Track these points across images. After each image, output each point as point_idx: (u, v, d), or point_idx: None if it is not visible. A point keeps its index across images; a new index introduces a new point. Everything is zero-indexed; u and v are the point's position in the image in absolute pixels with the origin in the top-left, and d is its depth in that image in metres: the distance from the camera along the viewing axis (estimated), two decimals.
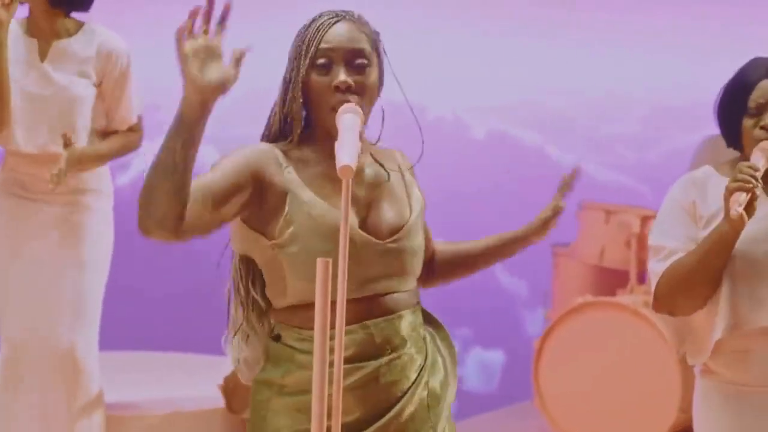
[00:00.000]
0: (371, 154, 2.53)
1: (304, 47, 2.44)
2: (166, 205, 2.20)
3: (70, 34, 3.96)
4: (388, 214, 2.47)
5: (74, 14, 3.99)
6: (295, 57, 2.46)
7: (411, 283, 2.50)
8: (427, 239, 2.64)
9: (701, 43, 6.28)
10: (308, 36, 2.45)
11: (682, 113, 6.36)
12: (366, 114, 2.42)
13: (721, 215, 2.60)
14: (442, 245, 2.71)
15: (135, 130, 4.08)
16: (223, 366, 3.54)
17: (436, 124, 6.53)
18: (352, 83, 2.41)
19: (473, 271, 2.72)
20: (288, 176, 2.40)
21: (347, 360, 2.34)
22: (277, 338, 2.47)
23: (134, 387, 4.63)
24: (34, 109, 3.88)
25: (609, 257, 5.45)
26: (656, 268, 2.69)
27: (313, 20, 2.48)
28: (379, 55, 2.49)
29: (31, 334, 3.94)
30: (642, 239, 5.26)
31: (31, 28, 3.94)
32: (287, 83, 2.46)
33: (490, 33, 6.48)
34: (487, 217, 5.74)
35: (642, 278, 5.33)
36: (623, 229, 5.35)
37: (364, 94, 2.43)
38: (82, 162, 3.87)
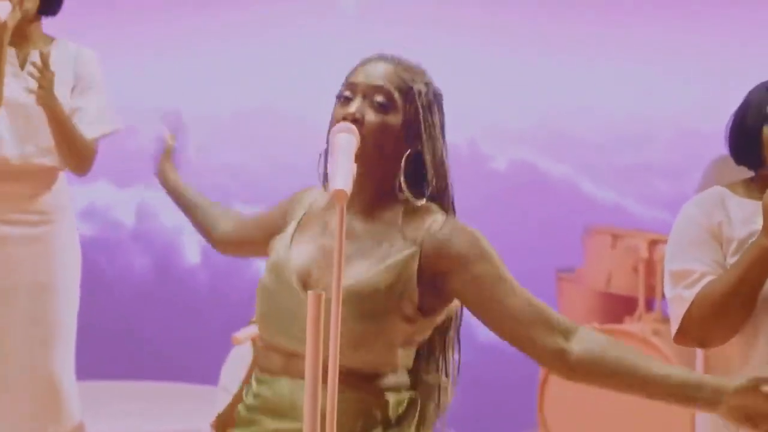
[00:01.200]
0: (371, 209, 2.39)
1: (344, 79, 2.39)
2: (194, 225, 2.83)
3: (45, 45, 3.89)
4: (354, 266, 2.28)
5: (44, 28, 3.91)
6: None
7: (362, 360, 2.26)
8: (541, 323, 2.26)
9: (729, 64, 6.19)
10: (347, 75, 2.39)
11: (713, 137, 6.29)
12: (368, 160, 2.26)
13: (753, 238, 2.48)
14: (593, 342, 2.26)
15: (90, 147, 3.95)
16: (217, 398, 3.43)
17: (450, 153, 6.37)
18: (360, 116, 2.28)
19: (621, 390, 2.26)
20: (299, 214, 2.44)
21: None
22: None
23: (122, 418, 4.55)
24: (18, 118, 3.81)
25: (616, 283, 5.37)
26: (685, 294, 2.55)
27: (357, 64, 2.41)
28: (411, 104, 2.33)
29: (6, 362, 3.84)
30: (650, 264, 5.17)
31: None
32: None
33: (509, 53, 6.39)
34: (512, 256, 5.63)
35: (650, 305, 5.24)
36: (631, 253, 5.25)
37: (371, 132, 2.28)
38: (51, 97, 3.70)
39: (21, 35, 3.84)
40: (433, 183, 2.34)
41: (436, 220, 2.33)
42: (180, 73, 6.18)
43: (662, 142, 6.47)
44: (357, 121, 2.29)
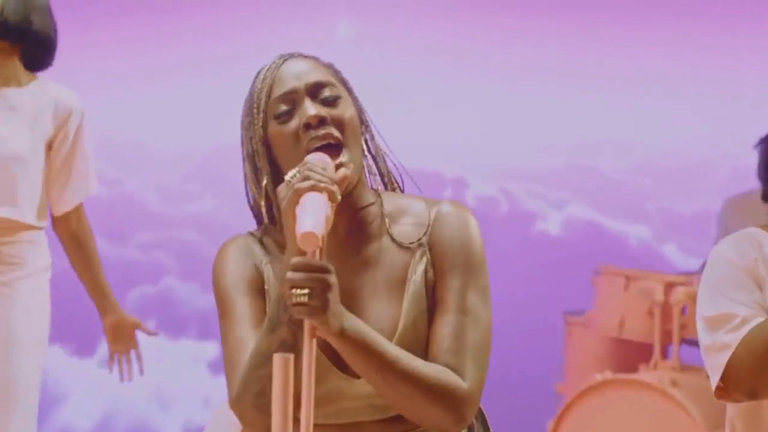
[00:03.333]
0: (386, 220, 2.12)
1: (255, 104, 2.05)
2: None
3: (20, 84, 3.58)
4: (369, 320, 2.03)
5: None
6: (249, 122, 2.08)
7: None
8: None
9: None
10: (256, 90, 2.06)
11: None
12: (356, 159, 2.03)
13: None
14: None
15: (78, 217, 3.72)
16: None
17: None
18: (327, 115, 2.01)
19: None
20: (267, 275, 2.10)
21: None
22: None
23: None
24: None
25: (629, 328, 5.23)
26: (727, 339, 2.34)
27: (258, 72, 2.09)
28: (350, 91, 2.10)
29: None
30: (666, 308, 5.05)
31: None
32: (250, 156, 2.08)
33: (511, 84, 6.31)
34: (517, 298, 5.63)
35: (667, 352, 5.14)
36: (645, 296, 5.14)
37: (344, 128, 2.02)
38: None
39: None
40: (383, 166, 2.17)
41: (420, 208, 2.14)
42: (174, 106, 6.10)
43: (681, 180, 6.44)
44: (325, 121, 2.02)
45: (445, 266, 2.07)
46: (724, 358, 2.33)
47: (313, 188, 1.86)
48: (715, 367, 2.35)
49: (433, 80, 6.22)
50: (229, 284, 2.07)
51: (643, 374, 5.00)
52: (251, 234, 2.12)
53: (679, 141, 6.24)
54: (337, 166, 1.98)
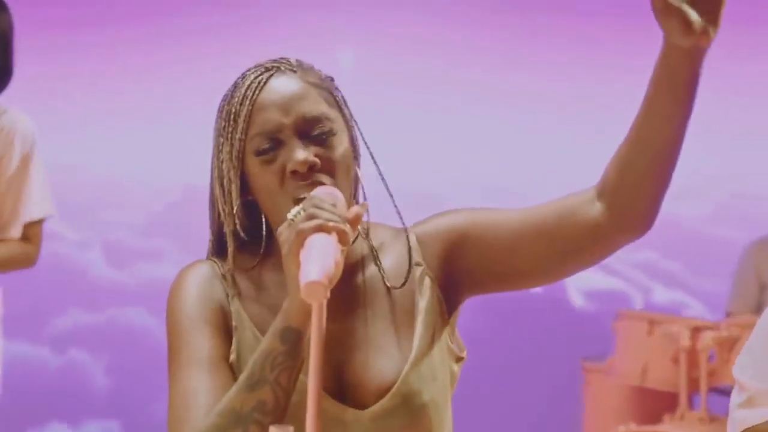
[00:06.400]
0: (374, 253, 1.87)
1: (230, 126, 1.79)
2: None
3: None
4: (377, 360, 1.83)
5: None
6: (221, 143, 1.81)
7: None
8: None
9: None
10: (233, 108, 1.79)
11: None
12: (347, 197, 1.77)
13: None
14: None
15: (30, 237, 3.59)
16: None
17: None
18: (317, 161, 1.76)
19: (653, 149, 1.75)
20: (234, 309, 1.83)
21: None
22: None
23: None
24: None
25: (653, 376, 5.14)
26: None
27: (236, 85, 1.81)
28: (342, 112, 1.84)
29: None
30: (693, 354, 4.98)
31: None
32: (219, 180, 1.83)
33: (517, 116, 6.21)
34: (532, 342, 5.58)
35: (693, 402, 5.08)
36: (670, 342, 5.04)
37: (336, 172, 1.77)
38: None
39: None
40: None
41: (390, 233, 1.90)
42: (168, 139, 6.02)
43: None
44: (315, 168, 1.76)
45: (460, 237, 1.86)
46: None
47: (320, 229, 1.60)
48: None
49: (442, 111, 6.19)
50: (184, 319, 1.79)
51: (668, 426, 4.94)
52: (214, 262, 1.84)
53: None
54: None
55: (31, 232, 3.57)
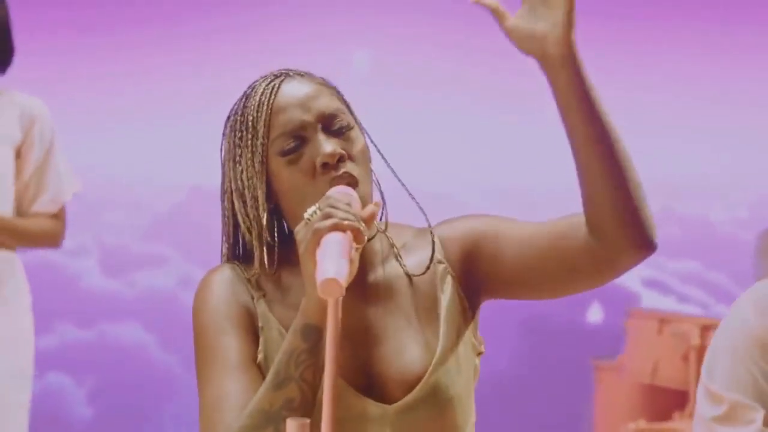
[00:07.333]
0: (394, 249, 1.89)
1: (250, 134, 1.82)
2: None
3: None
4: (403, 355, 1.84)
5: None
6: (239, 154, 1.84)
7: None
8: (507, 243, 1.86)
9: None
10: (250, 118, 1.82)
11: None
12: (370, 190, 1.82)
13: None
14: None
15: (58, 218, 3.60)
16: None
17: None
18: (344, 152, 1.79)
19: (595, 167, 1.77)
20: (260, 310, 1.85)
21: None
22: None
23: None
24: None
25: (663, 374, 5.19)
26: None
27: (247, 95, 1.85)
28: (353, 112, 1.89)
29: None
30: (702, 352, 4.97)
31: None
32: (239, 192, 1.85)
33: (530, 120, 6.11)
34: (544, 341, 5.56)
35: None
36: (680, 340, 5.10)
37: (359, 163, 1.82)
38: None
39: None
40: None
41: (412, 232, 1.93)
42: (181, 140, 5.94)
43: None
44: (343, 158, 1.80)
45: (476, 242, 1.88)
46: None
47: (335, 227, 1.63)
48: None
49: (453, 112, 6.17)
50: (210, 322, 1.82)
51: (678, 423, 4.97)
52: (237, 265, 1.87)
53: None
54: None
55: (59, 214, 3.60)
